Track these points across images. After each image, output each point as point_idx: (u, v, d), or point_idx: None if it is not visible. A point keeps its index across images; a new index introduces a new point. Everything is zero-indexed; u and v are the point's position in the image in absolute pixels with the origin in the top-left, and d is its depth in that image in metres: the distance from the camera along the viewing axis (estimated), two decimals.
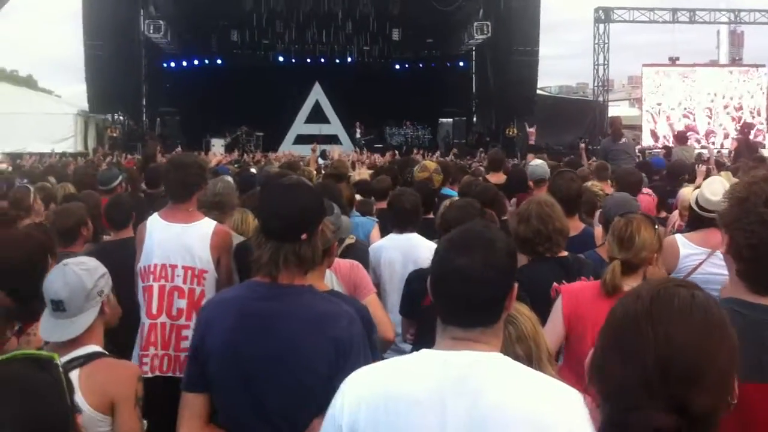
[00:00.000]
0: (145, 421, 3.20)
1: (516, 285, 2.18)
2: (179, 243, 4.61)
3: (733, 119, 30.70)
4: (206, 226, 4.71)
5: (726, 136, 29.70)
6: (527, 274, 3.85)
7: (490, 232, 2.22)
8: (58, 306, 3.16)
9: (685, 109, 30.97)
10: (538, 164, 7.84)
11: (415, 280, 4.57)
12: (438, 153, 19.29)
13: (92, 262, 3.35)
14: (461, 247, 2.13)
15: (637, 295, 1.50)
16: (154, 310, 4.57)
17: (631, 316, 1.46)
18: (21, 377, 1.90)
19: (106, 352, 3.25)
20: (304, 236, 2.72)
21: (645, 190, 7.93)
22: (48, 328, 3.18)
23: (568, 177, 5.63)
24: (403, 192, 5.76)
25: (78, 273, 3.21)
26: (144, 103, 30.34)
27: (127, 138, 27.20)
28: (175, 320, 4.55)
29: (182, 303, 4.56)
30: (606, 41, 31.83)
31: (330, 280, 3.83)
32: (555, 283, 4.01)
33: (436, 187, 7.54)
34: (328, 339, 2.69)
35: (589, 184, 6.80)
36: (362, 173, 10.29)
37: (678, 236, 4.78)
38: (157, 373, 4.49)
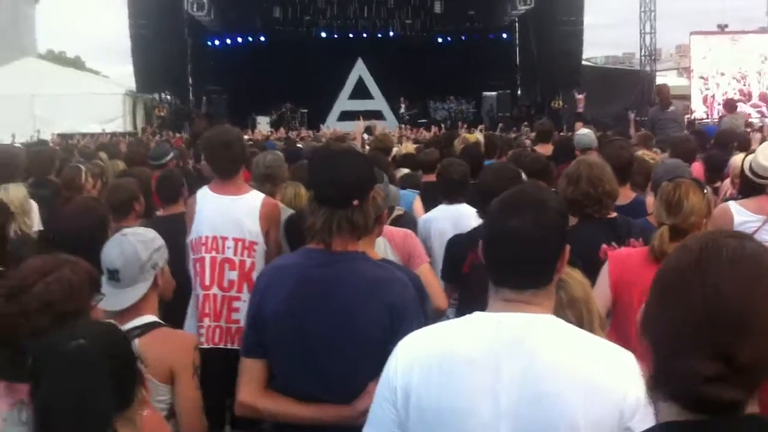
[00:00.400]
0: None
1: (568, 247, 2.17)
2: (229, 215, 4.63)
3: None
4: (255, 198, 4.73)
5: None
6: (576, 235, 3.80)
7: (542, 193, 2.22)
8: (113, 275, 3.21)
9: (738, 73, 30.11)
10: (585, 133, 7.79)
11: (455, 245, 4.59)
12: (482, 126, 19.07)
13: (150, 234, 3.40)
14: (513, 209, 2.12)
15: (686, 247, 1.48)
16: (207, 281, 4.60)
17: (680, 267, 1.45)
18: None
19: (163, 322, 3.31)
20: (356, 202, 2.74)
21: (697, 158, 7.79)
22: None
23: (617, 145, 5.52)
24: (451, 163, 5.77)
25: (134, 244, 3.26)
26: (190, 81, 30.53)
27: (175, 117, 27.44)
28: (226, 292, 4.58)
29: (233, 275, 4.58)
30: (653, 9, 31.06)
31: (384, 248, 3.85)
32: (604, 245, 3.95)
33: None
34: (382, 304, 2.72)
35: (640, 153, 6.69)
36: (407, 147, 10.31)
37: (731, 203, 4.67)
38: (211, 344, 4.53)
